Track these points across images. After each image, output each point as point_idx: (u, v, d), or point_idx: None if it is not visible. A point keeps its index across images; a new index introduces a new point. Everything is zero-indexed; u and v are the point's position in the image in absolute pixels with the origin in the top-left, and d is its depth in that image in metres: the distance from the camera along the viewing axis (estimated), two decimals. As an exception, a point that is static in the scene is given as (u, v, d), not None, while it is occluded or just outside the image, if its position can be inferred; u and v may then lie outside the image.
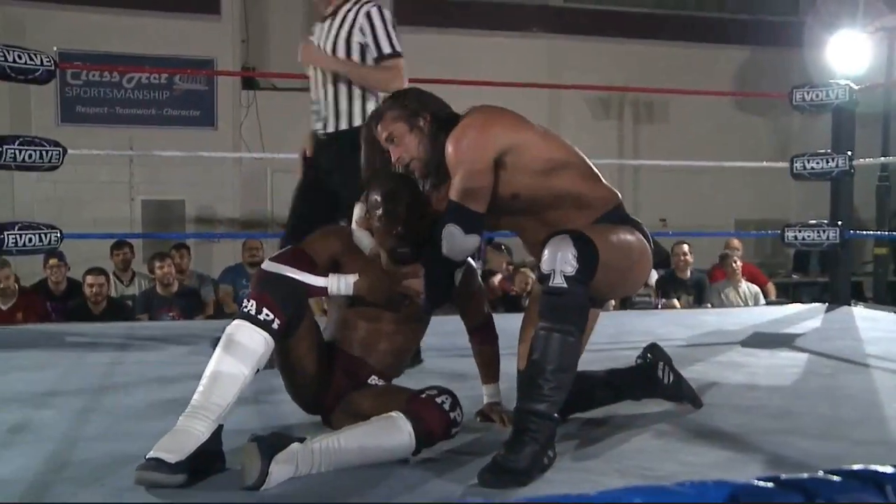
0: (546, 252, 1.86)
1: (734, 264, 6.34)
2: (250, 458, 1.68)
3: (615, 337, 3.66)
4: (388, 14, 3.08)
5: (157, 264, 5.57)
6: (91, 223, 7.79)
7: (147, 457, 1.70)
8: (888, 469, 0.82)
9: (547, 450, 1.84)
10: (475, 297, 2.25)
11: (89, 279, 5.26)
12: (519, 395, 1.89)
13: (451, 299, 2.18)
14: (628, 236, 2.04)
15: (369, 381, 2.12)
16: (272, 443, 1.70)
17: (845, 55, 4.99)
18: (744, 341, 3.72)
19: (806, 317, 4.57)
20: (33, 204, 7.96)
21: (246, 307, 1.85)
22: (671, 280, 6.18)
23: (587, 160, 2.11)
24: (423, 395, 1.89)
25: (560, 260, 1.84)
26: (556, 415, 1.86)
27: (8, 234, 3.60)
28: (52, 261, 5.69)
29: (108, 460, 1.87)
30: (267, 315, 1.83)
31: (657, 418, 2.28)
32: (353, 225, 2.14)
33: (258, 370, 1.86)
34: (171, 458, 1.69)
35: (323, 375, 2.08)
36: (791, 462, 1.91)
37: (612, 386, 2.31)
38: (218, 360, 1.82)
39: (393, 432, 1.82)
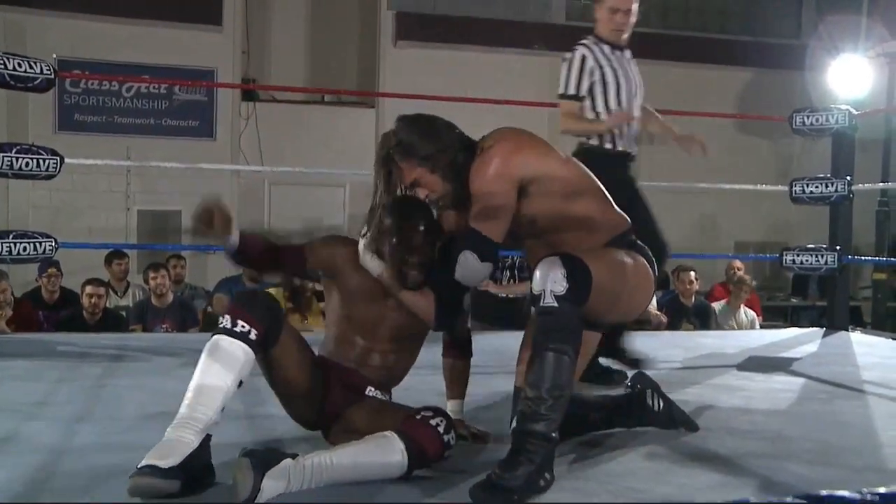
0: (537, 273, 1.90)
1: (742, 293, 6.25)
2: (242, 472, 1.68)
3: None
4: (577, 54, 3.37)
5: (152, 275, 5.56)
6: (86, 232, 7.81)
7: (139, 466, 1.71)
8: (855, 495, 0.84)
9: (543, 471, 1.84)
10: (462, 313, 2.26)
11: (89, 289, 5.25)
12: (517, 416, 1.90)
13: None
14: (627, 259, 2.06)
15: (367, 392, 2.14)
16: (264, 458, 1.71)
17: (847, 79, 5.04)
18: (740, 365, 3.72)
19: (803, 341, 4.57)
20: (28, 212, 7.98)
21: (222, 323, 1.89)
22: (674, 306, 6.10)
23: (600, 185, 2.15)
24: (419, 417, 1.90)
25: (550, 280, 1.87)
26: (554, 434, 1.87)
27: (2, 243, 3.61)
28: (51, 270, 5.69)
29: (96, 473, 1.87)
30: (243, 326, 1.87)
31: (651, 440, 2.29)
32: (361, 245, 2.15)
33: (241, 382, 1.88)
34: (165, 463, 1.70)
35: (317, 390, 2.09)
36: (784, 487, 1.91)
37: (607, 411, 2.32)
38: (200, 373, 1.85)
39: (386, 451, 1.83)
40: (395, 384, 2.25)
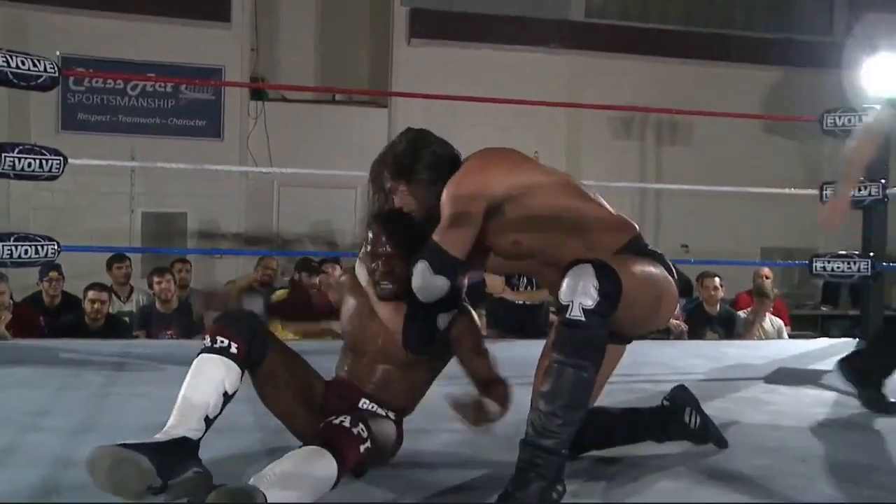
0: (566, 281, 1.85)
1: (764, 306, 6.18)
2: None
3: (632, 368, 3.62)
4: None
5: (156, 279, 5.58)
6: (88, 235, 7.84)
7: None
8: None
9: (556, 485, 1.83)
10: (476, 350, 2.20)
11: (91, 294, 5.26)
12: (527, 429, 1.89)
13: (436, 346, 2.16)
14: (652, 269, 2.04)
15: (361, 404, 2.15)
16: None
17: (882, 78, 4.99)
18: (767, 377, 3.70)
19: (835, 352, 4.51)
20: (29, 213, 8.03)
21: (203, 343, 1.97)
22: (699, 314, 6.06)
23: (594, 197, 2.12)
24: (323, 424, 1.92)
25: (580, 291, 1.82)
26: (564, 451, 1.85)
27: (3, 246, 3.62)
28: (52, 274, 5.71)
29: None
30: (222, 342, 1.95)
31: (674, 458, 2.27)
32: (358, 259, 2.23)
33: (229, 394, 1.93)
34: (132, 441, 1.78)
35: (313, 405, 2.12)
36: (814, 508, 1.90)
37: (633, 426, 2.30)
38: (183, 391, 1.92)
39: (317, 463, 1.79)
40: (401, 402, 2.21)
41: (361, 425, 1.91)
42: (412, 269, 2.01)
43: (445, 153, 2.16)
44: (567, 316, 1.84)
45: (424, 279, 1.99)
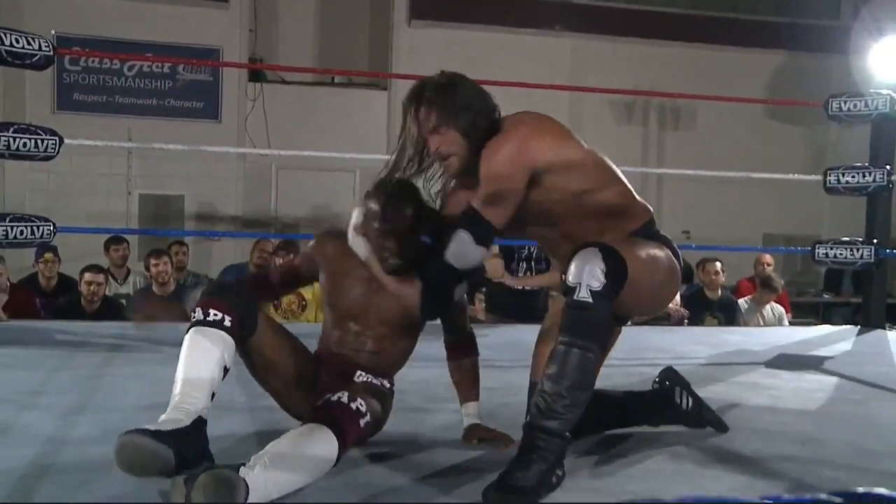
0: (574, 264, 1.87)
1: (769, 293, 6.18)
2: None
3: (631, 353, 3.65)
4: None
5: (153, 262, 5.57)
6: (85, 217, 7.84)
7: (127, 431, 1.73)
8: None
9: (556, 468, 1.84)
10: (459, 308, 2.25)
11: (88, 276, 5.26)
12: (531, 410, 1.90)
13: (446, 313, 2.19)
14: (658, 252, 2.05)
15: (357, 377, 2.15)
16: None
17: (889, 63, 4.96)
18: (768, 362, 3.71)
19: (836, 339, 4.55)
20: (25, 194, 8.02)
21: (194, 316, 1.94)
22: (699, 299, 6.06)
23: (622, 177, 2.13)
24: (321, 402, 1.92)
25: (588, 273, 1.85)
26: (567, 434, 1.86)
27: (-1, 226, 3.62)
28: (48, 255, 5.72)
29: (95, 465, 1.88)
30: (215, 315, 1.92)
31: (674, 440, 2.28)
32: (350, 230, 2.18)
33: (227, 370, 1.92)
34: (154, 427, 1.74)
35: (304, 379, 2.11)
36: (813, 491, 1.90)
37: (628, 410, 2.31)
38: (183, 367, 1.89)
39: (318, 443, 1.78)
40: (393, 369, 2.25)
41: (360, 400, 1.92)
42: (452, 235, 1.97)
43: (493, 104, 2.08)
44: (574, 297, 1.86)
45: (465, 249, 1.97)
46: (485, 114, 2.03)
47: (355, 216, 2.18)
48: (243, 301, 1.98)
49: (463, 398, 2.24)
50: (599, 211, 2.06)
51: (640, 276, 1.93)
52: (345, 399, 1.90)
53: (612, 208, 2.07)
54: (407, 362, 2.29)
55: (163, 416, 1.82)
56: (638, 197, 2.15)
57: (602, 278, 1.84)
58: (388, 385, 2.21)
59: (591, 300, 1.84)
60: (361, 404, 1.91)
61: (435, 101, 2.02)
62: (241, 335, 1.97)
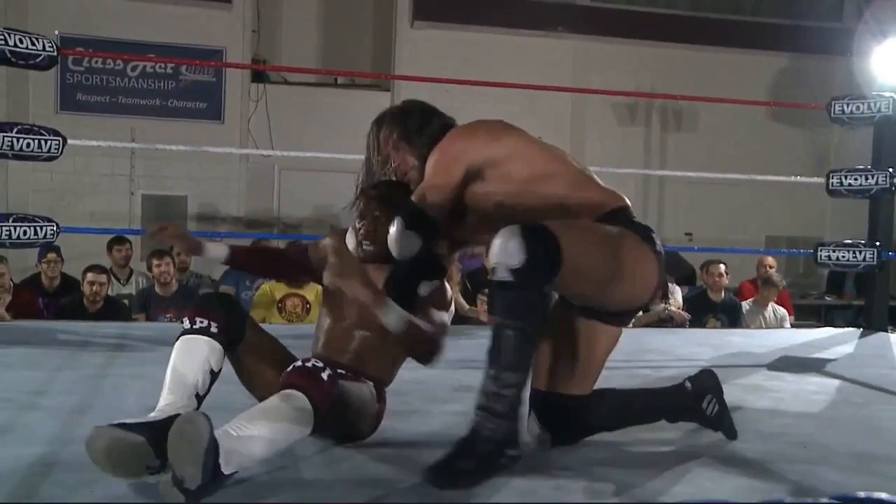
0: (494, 243, 1.87)
1: (770, 294, 6.19)
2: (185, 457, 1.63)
3: (633, 355, 3.65)
4: None
5: (156, 262, 5.58)
6: (88, 217, 7.86)
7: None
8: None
9: (504, 449, 1.86)
10: (427, 317, 2.16)
11: (90, 276, 5.27)
12: (480, 395, 1.90)
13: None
14: (621, 239, 2.01)
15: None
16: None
17: (892, 65, 4.96)
18: (770, 364, 3.70)
19: (839, 341, 4.54)
20: (28, 194, 8.03)
21: (183, 326, 2.02)
22: (702, 301, 6.05)
23: (578, 167, 2.16)
24: (289, 369, 1.93)
25: (505, 252, 1.83)
26: (513, 414, 1.87)
27: (1, 226, 3.63)
28: (50, 255, 5.73)
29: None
30: (201, 322, 2.00)
31: (677, 441, 2.28)
32: (350, 227, 2.27)
33: (216, 372, 1.98)
34: (129, 420, 1.80)
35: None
36: (815, 494, 1.90)
37: (650, 408, 2.28)
38: (169, 372, 1.97)
39: (294, 405, 1.83)
40: (381, 374, 2.20)
41: (314, 362, 1.93)
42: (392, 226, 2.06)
43: (446, 122, 2.27)
44: (495, 278, 1.87)
45: (397, 234, 2.03)
46: (437, 133, 2.20)
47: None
48: (228, 308, 2.06)
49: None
50: (557, 201, 2.06)
51: (586, 260, 1.91)
52: (298, 363, 1.93)
53: (565, 198, 2.07)
54: (406, 364, 2.27)
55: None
56: (603, 185, 2.14)
57: (521, 256, 1.81)
58: (371, 384, 2.15)
59: (511, 278, 1.83)
60: (317, 362, 1.93)
61: (392, 122, 2.27)
62: (229, 340, 2.02)
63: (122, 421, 1.80)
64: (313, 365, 1.91)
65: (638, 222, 2.11)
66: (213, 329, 1.99)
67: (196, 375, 1.94)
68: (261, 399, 2.10)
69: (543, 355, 2.15)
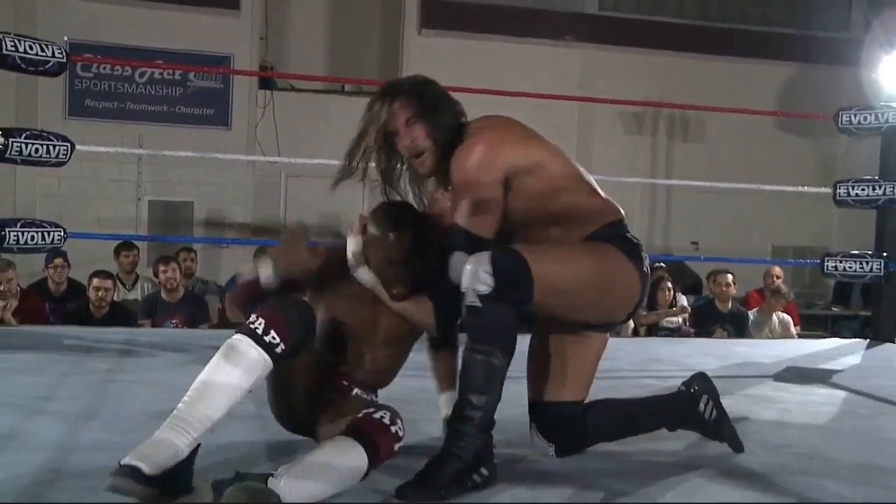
0: (465, 269, 1.89)
1: (778, 304, 6.18)
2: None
3: (640, 365, 3.65)
4: None
5: (162, 268, 5.60)
6: (95, 222, 7.88)
7: (122, 462, 1.63)
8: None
9: (477, 467, 1.88)
10: None
11: (96, 282, 5.29)
12: (452, 412, 1.95)
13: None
14: (602, 255, 2.02)
15: (353, 394, 2.12)
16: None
17: (900, 76, 4.95)
18: (777, 375, 3.69)
19: (845, 352, 4.53)
20: (36, 200, 8.06)
21: (253, 324, 1.77)
22: (709, 311, 6.04)
23: (586, 176, 2.12)
24: (361, 415, 1.87)
25: (474, 278, 1.86)
26: (482, 434, 1.90)
27: (9, 231, 3.64)
28: (57, 260, 5.75)
29: (102, 471, 1.87)
30: (273, 338, 1.76)
31: (680, 453, 2.27)
32: (350, 258, 2.10)
33: (250, 391, 1.78)
34: (149, 468, 1.62)
35: (311, 395, 2.06)
36: (821, 506, 1.90)
37: (646, 414, 2.27)
38: (211, 372, 1.75)
39: (348, 455, 1.78)
40: (382, 386, 2.24)
41: (400, 423, 1.87)
42: (449, 260, 1.95)
43: (460, 110, 2.12)
44: (465, 303, 1.89)
45: (476, 274, 1.88)
46: (454, 116, 2.07)
47: (353, 244, 2.10)
48: (305, 330, 1.83)
49: (443, 388, 2.21)
50: (564, 214, 2.05)
51: (562, 279, 1.93)
52: (386, 420, 1.85)
53: (575, 211, 2.06)
54: (413, 372, 2.29)
55: (163, 430, 1.70)
56: (604, 196, 2.13)
57: (489, 281, 1.84)
58: (375, 399, 2.17)
59: (479, 304, 1.86)
60: (400, 429, 1.87)
61: (413, 94, 2.04)
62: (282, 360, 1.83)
63: (141, 469, 1.62)
64: (396, 432, 1.85)
65: (630, 237, 2.11)
66: (279, 350, 1.76)
67: (239, 394, 1.74)
68: (278, 398, 2.08)
69: (534, 366, 2.18)
